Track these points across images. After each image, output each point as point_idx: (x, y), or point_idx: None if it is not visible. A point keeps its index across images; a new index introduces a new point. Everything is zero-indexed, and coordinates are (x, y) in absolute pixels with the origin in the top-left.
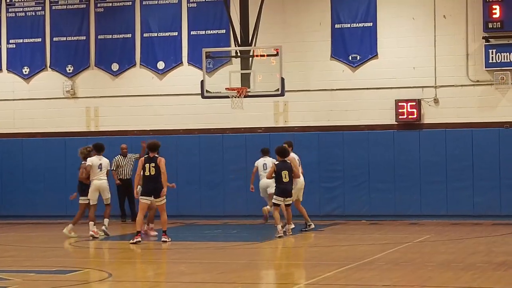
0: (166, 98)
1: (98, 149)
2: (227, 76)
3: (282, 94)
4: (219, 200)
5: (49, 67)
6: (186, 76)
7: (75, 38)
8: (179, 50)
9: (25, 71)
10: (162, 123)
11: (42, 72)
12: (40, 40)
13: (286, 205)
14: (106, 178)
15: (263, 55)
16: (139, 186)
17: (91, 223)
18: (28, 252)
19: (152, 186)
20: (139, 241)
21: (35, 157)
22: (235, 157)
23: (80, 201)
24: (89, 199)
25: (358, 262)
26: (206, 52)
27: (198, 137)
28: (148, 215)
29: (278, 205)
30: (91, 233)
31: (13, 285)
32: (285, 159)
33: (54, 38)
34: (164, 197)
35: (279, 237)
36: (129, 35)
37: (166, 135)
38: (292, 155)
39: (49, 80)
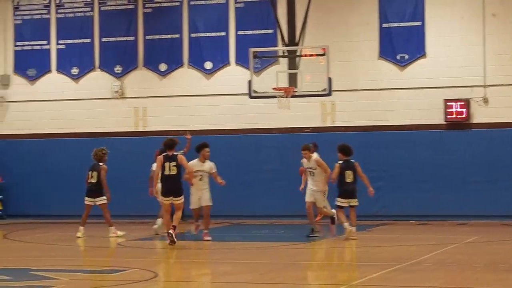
0: (213, 98)
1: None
2: (274, 76)
3: (329, 94)
4: (267, 200)
5: (98, 67)
6: (233, 76)
7: (124, 38)
8: (226, 50)
9: (74, 72)
10: (209, 123)
11: (91, 73)
12: (89, 41)
13: (351, 207)
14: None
15: (311, 55)
16: (158, 184)
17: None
18: (74, 252)
19: (171, 185)
20: (173, 242)
21: (82, 157)
22: (282, 157)
23: (99, 202)
24: (106, 199)
25: (405, 263)
26: (253, 52)
27: (245, 137)
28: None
29: (342, 207)
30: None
31: (60, 284)
32: (349, 158)
33: (102, 39)
34: (182, 196)
35: (347, 239)
36: (177, 35)
37: (214, 135)
38: (316, 155)
39: (97, 81)
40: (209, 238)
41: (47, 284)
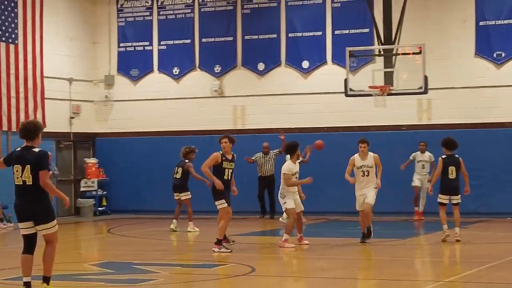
0: (310, 97)
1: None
2: (371, 74)
3: (425, 92)
4: None
5: (198, 67)
6: (330, 74)
7: (223, 39)
8: (323, 49)
9: (175, 72)
10: (306, 121)
11: (191, 72)
12: (190, 42)
13: (454, 205)
14: None
15: (407, 53)
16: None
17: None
18: (173, 246)
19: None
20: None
21: None
22: (380, 154)
23: (183, 197)
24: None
25: (501, 260)
26: (349, 51)
27: (341, 134)
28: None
29: (444, 204)
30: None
31: (160, 278)
32: (453, 153)
33: (202, 39)
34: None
35: (443, 240)
36: (274, 35)
37: (310, 133)
38: (373, 154)
39: (197, 80)
40: (306, 242)
41: (148, 277)
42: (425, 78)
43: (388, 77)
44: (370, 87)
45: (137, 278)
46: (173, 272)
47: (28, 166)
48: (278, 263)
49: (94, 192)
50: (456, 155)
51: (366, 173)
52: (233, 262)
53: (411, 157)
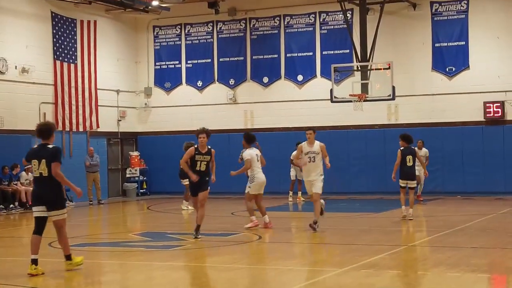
0: (304, 103)
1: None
2: (351, 85)
3: (393, 99)
4: (345, 181)
5: (217, 80)
6: (319, 85)
7: (236, 58)
8: (314, 66)
9: (199, 84)
10: (301, 122)
11: (212, 85)
12: (210, 61)
13: (410, 189)
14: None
15: (379, 68)
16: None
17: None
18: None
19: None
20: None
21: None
22: (357, 148)
23: (184, 183)
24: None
25: (453, 228)
26: (334, 67)
27: (328, 132)
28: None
29: (403, 187)
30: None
31: (188, 244)
32: (409, 145)
33: (220, 59)
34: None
35: (403, 217)
36: (276, 55)
37: (304, 131)
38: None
39: (216, 91)
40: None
41: (179, 244)
42: (393, 88)
43: (364, 87)
44: (350, 95)
45: (170, 244)
46: (199, 239)
47: (43, 160)
48: (283, 232)
49: (136, 178)
50: (412, 147)
51: (312, 159)
52: (244, 232)
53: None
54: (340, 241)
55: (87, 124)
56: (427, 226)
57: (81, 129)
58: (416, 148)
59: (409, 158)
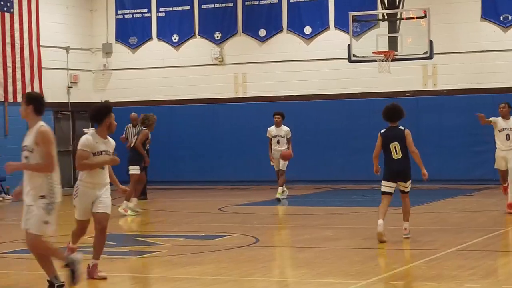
0: (312, 63)
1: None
2: (374, 39)
3: (430, 57)
4: (366, 165)
5: (198, 34)
6: (333, 40)
7: (223, 5)
8: (325, 15)
9: (175, 39)
10: (309, 88)
11: (191, 40)
12: (189, 8)
13: (402, 193)
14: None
15: (411, 18)
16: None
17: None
18: (176, 218)
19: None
20: None
21: (183, 123)
22: (382, 122)
23: (132, 171)
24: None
25: (508, 227)
26: (353, 16)
27: (344, 101)
28: None
29: (388, 193)
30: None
31: (163, 250)
32: (396, 125)
33: (202, 6)
34: None
35: (378, 237)
36: (275, 1)
37: (312, 100)
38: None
39: (197, 48)
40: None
41: (150, 249)
42: (430, 42)
43: (392, 42)
44: (374, 52)
45: (139, 250)
46: (176, 243)
47: None
48: (282, 233)
49: None
50: (400, 127)
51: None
52: (237, 233)
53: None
54: (360, 244)
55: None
56: (474, 224)
57: (19, 99)
58: (406, 130)
59: (394, 146)
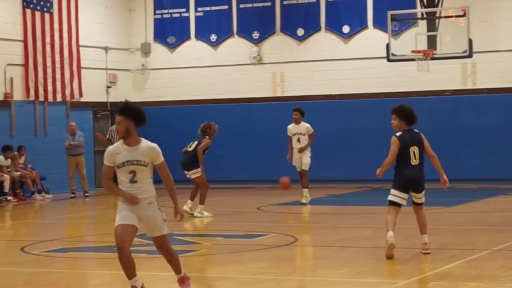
0: (351, 62)
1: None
2: (413, 38)
3: (470, 56)
4: None
5: (236, 34)
6: (371, 39)
7: (261, 4)
8: (364, 13)
9: (213, 39)
10: (347, 87)
11: (229, 39)
12: (227, 8)
13: (416, 205)
14: None
15: (450, 16)
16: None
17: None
18: (215, 217)
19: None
20: None
21: (221, 122)
22: (421, 121)
23: (194, 175)
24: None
25: None
26: (391, 15)
27: (383, 101)
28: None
29: (398, 205)
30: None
31: (202, 249)
32: (412, 127)
33: (240, 5)
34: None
35: (388, 253)
36: (313, 0)
37: (351, 99)
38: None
39: (235, 47)
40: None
41: (190, 248)
42: (470, 41)
43: (431, 41)
44: (412, 51)
45: (179, 249)
46: (215, 243)
47: None
48: (321, 233)
49: None
50: (416, 130)
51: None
52: (275, 232)
53: None
54: (401, 244)
55: (67, 92)
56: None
57: (59, 98)
58: (422, 134)
59: (413, 150)
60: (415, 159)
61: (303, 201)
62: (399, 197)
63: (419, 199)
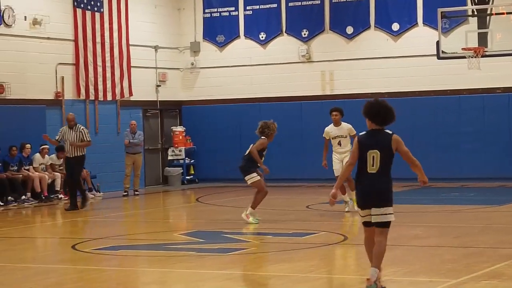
0: (400, 60)
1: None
2: (464, 36)
3: None
4: (455, 163)
5: (285, 32)
6: (421, 37)
7: (310, 2)
8: (414, 11)
9: (262, 37)
10: (397, 85)
11: (278, 37)
12: (276, 6)
13: (376, 226)
14: None
15: (501, 13)
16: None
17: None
18: (265, 215)
19: None
20: None
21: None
22: (472, 119)
23: (251, 180)
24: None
25: None
26: (441, 12)
27: (433, 98)
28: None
29: (367, 224)
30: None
31: (252, 247)
32: (382, 127)
33: (289, 3)
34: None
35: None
36: None
37: (401, 97)
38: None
39: (284, 45)
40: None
41: (239, 247)
42: None
43: (482, 38)
44: (463, 49)
45: (227, 247)
46: (264, 241)
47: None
48: None
49: (181, 161)
50: (388, 130)
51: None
52: (324, 231)
53: None
54: (451, 242)
55: (117, 91)
56: None
57: (109, 97)
58: (395, 136)
59: (372, 155)
60: (372, 165)
61: (350, 209)
62: (361, 215)
63: (377, 217)
